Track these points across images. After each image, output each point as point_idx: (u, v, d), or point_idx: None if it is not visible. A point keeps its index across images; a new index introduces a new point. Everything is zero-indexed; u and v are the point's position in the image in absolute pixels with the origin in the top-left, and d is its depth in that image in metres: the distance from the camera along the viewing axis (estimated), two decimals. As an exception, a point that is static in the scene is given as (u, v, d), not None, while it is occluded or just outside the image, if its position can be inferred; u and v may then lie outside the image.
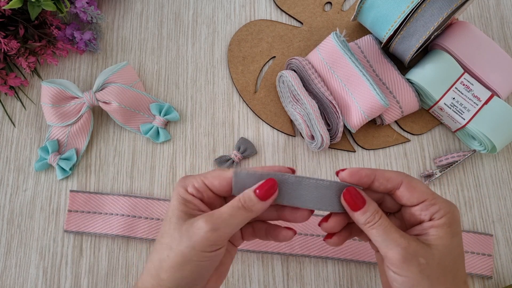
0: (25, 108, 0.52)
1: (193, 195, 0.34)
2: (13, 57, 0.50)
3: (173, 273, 0.32)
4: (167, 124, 0.51)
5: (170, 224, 0.33)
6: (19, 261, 0.47)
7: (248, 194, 0.32)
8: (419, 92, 0.50)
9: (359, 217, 0.32)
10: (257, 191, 0.32)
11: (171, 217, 0.33)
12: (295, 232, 0.36)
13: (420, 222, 0.33)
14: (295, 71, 0.50)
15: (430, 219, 0.32)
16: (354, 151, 0.51)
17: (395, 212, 0.36)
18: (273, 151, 0.51)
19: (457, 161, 0.49)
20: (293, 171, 0.35)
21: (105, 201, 0.48)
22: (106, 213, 0.48)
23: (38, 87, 0.53)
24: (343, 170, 0.34)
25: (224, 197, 0.36)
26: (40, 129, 0.51)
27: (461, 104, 0.48)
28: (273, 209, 0.36)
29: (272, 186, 0.32)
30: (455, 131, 0.51)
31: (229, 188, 0.34)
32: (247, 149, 0.49)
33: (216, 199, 0.35)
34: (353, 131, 0.49)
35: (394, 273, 0.31)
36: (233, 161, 0.50)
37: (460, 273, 0.32)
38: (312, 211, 0.35)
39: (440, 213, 0.32)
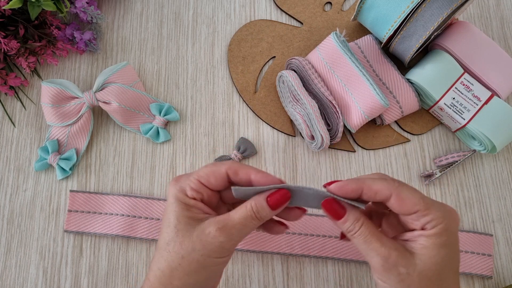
0: (25, 108, 0.52)
1: (195, 199, 0.34)
2: (13, 57, 0.50)
3: (187, 280, 0.32)
4: (167, 124, 0.51)
5: (176, 232, 0.33)
6: (19, 261, 0.47)
7: (261, 203, 0.33)
8: (419, 92, 0.50)
9: (340, 226, 0.33)
10: (269, 199, 0.33)
11: (176, 224, 0.33)
12: (287, 227, 0.38)
13: (413, 230, 0.33)
14: (295, 71, 0.50)
15: (422, 229, 0.32)
16: (354, 151, 0.51)
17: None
18: (273, 151, 0.51)
19: (457, 161, 0.49)
20: (281, 182, 0.34)
21: (105, 201, 0.48)
22: (106, 213, 0.48)
23: (38, 87, 0.53)
24: (329, 184, 0.33)
25: (219, 191, 0.37)
26: (40, 129, 0.51)
27: (461, 104, 0.48)
28: None
29: (285, 195, 0.33)
30: (455, 131, 0.51)
31: (224, 183, 0.35)
32: (247, 149, 0.49)
33: (213, 195, 0.36)
34: (353, 131, 0.49)
35: (377, 278, 0.32)
36: (233, 161, 0.50)
37: (447, 286, 0.31)
38: (305, 211, 0.36)
39: (432, 224, 0.31)
